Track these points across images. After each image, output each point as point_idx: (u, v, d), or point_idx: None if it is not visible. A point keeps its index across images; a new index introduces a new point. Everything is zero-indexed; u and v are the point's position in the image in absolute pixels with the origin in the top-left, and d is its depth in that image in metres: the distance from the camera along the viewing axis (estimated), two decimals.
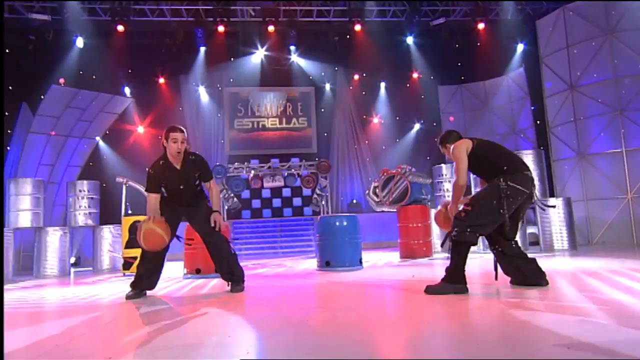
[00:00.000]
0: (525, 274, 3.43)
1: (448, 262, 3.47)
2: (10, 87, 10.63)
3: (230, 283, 4.14)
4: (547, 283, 3.41)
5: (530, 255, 3.56)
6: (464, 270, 3.33)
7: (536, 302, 2.87)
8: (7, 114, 11.27)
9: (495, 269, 3.52)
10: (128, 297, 3.95)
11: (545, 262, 5.32)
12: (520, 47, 12.14)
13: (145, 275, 4.03)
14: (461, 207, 3.43)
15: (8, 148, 11.30)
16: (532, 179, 3.45)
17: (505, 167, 3.38)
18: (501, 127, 12.69)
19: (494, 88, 12.83)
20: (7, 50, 11.40)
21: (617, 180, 8.64)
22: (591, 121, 9.02)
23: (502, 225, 3.27)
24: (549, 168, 9.38)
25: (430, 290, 3.34)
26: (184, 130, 3.97)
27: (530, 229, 8.44)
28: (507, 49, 12.26)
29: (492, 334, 2.12)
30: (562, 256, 6.46)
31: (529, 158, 7.96)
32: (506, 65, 12.45)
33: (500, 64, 12.48)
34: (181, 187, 3.97)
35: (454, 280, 3.31)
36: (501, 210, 3.24)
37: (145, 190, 4.00)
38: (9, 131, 11.45)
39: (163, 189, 4.02)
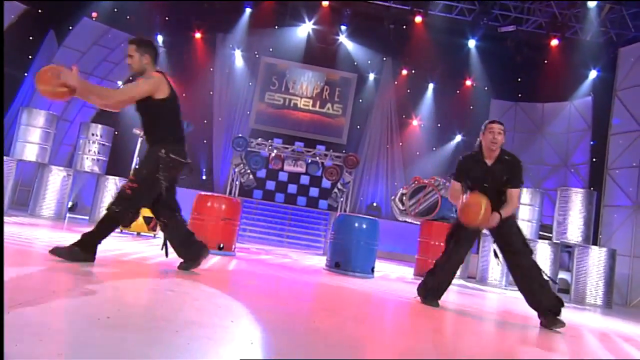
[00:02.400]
0: (187, 248, 3.62)
1: (471, 288, 3.60)
2: (39, 10, 10.79)
3: None
4: (202, 256, 3.60)
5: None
6: (98, 243, 3.32)
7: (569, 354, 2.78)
8: (31, 38, 11.47)
9: (165, 247, 3.61)
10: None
11: (573, 315, 5.18)
12: (592, 74, 11.79)
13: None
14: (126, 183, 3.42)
15: (26, 74, 11.52)
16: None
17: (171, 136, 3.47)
18: (552, 157, 12.39)
19: (553, 113, 12.52)
20: None
21: None
22: None
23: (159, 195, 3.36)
24: (598, 213, 9.12)
25: (58, 252, 3.18)
26: (502, 122, 3.76)
27: (562, 274, 8.26)
28: (577, 72, 11.91)
29: None
30: (592, 312, 6.29)
31: (577, 197, 7.75)
32: (572, 91, 12.11)
33: (566, 88, 12.14)
34: (485, 185, 3.72)
35: (87, 248, 3.26)
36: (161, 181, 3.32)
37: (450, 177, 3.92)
38: (29, 57, 11.67)
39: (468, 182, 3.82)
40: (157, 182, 3.32)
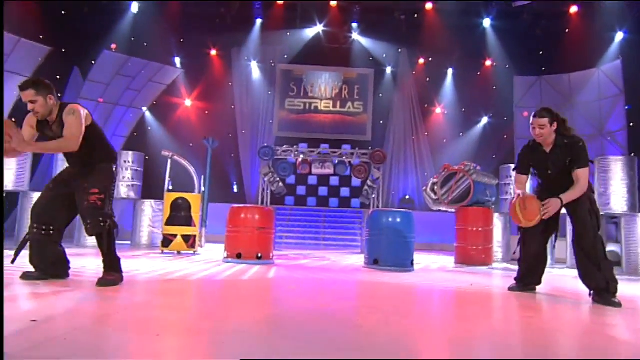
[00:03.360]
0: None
1: (515, 272, 4.10)
2: (63, 50, 11.25)
3: None
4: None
5: None
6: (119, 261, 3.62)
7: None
8: (58, 77, 11.97)
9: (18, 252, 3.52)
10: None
11: (627, 287, 5.00)
12: (619, 36, 11.31)
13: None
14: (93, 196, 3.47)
15: None
16: None
17: None
18: (586, 127, 11.95)
19: (580, 82, 12.09)
20: (63, 12, 12.07)
21: None
22: None
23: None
24: None
25: (106, 283, 3.43)
26: (544, 114, 3.73)
27: (611, 247, 7.97)
28: (602, 37, 11.45)
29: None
30: None
31: (617, 165, 7.47)
32: (599, 57, 11.65)
33: (592, 55, 11.69)
34: (549, 172, 3.81)
35: (117, 269, 3.58)
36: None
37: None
38: (59, 95, 12.15)
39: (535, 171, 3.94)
40: (112, 192, 3.60)
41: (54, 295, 2.94)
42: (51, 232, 3.49)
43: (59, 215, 3.52)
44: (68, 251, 3.71)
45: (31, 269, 3.49)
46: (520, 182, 4.02)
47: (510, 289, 4.07)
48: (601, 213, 7.45)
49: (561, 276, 6.07)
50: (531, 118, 3.81)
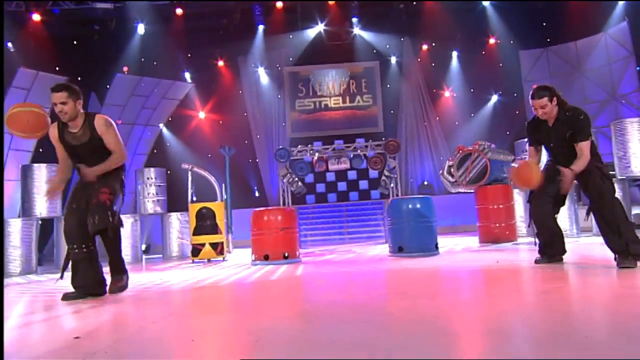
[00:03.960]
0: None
1: (535, 246, 4.05)
2: (79, 78, 11.48)
3: None
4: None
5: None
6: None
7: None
8: None
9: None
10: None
11: None
12: None
13: None
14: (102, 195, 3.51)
15: None
16: None
17: None
18: (598, 93, 11.69)
19: (588, 49, 11.80)
20: (75, 42, 12.33)
21: None
22: None
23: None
24: None
25: (115, 290, 3.66)
26: (543, 93, 3.68)
27: (636, 210, 7.77)
28: (605, 1, 11.15)
29: (600, 329, 1.97)
30: None
31: (634, 127, 7.27)
32: (604, 21, 11.34)
33: (597, 20, 11.39)
34: (551, 144, 3.86)
35: (123, 270, 3.77)
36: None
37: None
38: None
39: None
40: (121, 197, 3.68)
41: (94, 312, 3.01)
42: (90, 248, 3.50)
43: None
44: (106, 270, 3.78)
45: (69, 288, 3.54)
46: (532, 155, 4.04)
47: (536, 261, 4.01)
48: (622, 177, 7.32)
49: (588, 244, 5.95)
50: (530, 101, 3.78)
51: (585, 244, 5.93)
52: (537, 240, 4.06)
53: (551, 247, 3.97)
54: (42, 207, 7.79)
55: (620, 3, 11.02)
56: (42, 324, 2.76)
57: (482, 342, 1.87)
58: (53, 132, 3.54)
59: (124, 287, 3.70)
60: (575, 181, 3.81)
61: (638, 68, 10.61)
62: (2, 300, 1.70)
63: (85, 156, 3.55)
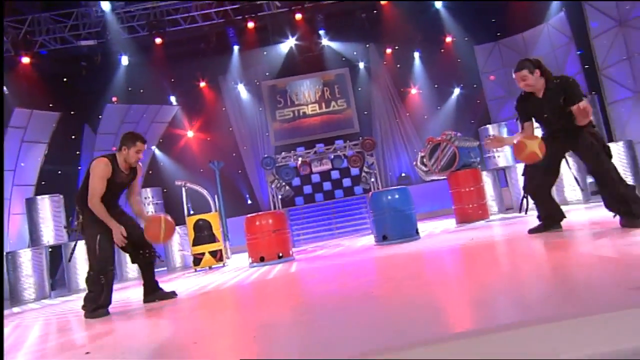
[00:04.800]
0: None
1: (510, 220, 3.59)
2: (72, 112, 11.34)
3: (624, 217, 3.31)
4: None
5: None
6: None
7: (609, 247, 2.70)
8: (73, 137, 12.07)
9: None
10: None
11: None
12: None
13: None
14: None
15: (79, 167, 12.13)
16: None
17: None
18: None
19: (533, 38, 12.01)
20: (64, 79, 12.17)
21: None
22: None
23: None
24: (604, 112, 8.72)
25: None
26: (524, 66, 3.47)
27: (591, 178, 7.93)
28: None
29: (568, 284, 2.03)
30: None
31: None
32: (544, 13, 11.58)
33: (538, 13, 11.62)
34: (545, 115, 3.55)
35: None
36: None
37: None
38: (77, 152, 12.28)
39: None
40: None
41: (104, 327, 2.98)
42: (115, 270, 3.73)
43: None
44: (115, 287, 3.77)
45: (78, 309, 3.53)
46: (526, 130, 3.68)
47: (530, 231, 3.79)
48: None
49: (589, 209, 5.83)
50: (514, 74, 3.57)
51: (586, 210, 5.81)
52: (524, 211, 3.80)
53: (549, 218, 3.75)
54: (49, 235, 7.67)
55: None
56: (55, 344, 2.73)
57: (464, 313, 1.90)
58: (108, 170, 3.59)
59: (175, 294, 3.98)
60: (571, 150, 3.53)
61: (578, 52, 10.84)
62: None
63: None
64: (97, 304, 3.48)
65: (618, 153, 6.98)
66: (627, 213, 3.21)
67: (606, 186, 3.30)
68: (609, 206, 3.36)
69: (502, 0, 11.81)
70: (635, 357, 1.08)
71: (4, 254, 7.52)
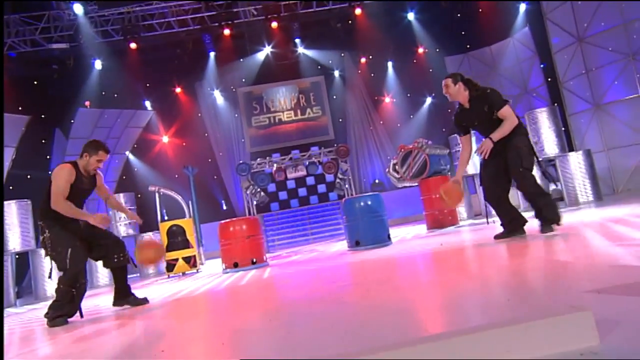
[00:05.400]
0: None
1: (479, 225, 3.83)
2: (42, 116, 10.97)
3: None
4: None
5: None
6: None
7: (565, 252, 2.81)
8: (43, 141, 11.67)
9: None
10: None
11: (571, 216, 5.19)
12: (522, 7, 11.70)
13: None
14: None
15: (50, 172, 11.72)
16: None
17: None
18: (512, 89, 12.33)
19: (500, 51, 12.44)
20: (35, 82, 11.78)
21: (636, 126, 8.29)
22: (603, 70, 8.64)
23: None
24: (566, 123, 9.09)
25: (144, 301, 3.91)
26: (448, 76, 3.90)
27: (553, 186, 8.23)
28: (509, 11, 11.84)
29: (526, 289, 2.10)
30: (587, 208, 6.28)
31: (543, 115, 7.72)
32: (510, 27, 12.03)
33: (504, 27, 12.06)
34: (476, 124, 3.90)
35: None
36: None
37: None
38: (47, 157, 11.87)
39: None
40: None
41: (69, 336, 2.89)
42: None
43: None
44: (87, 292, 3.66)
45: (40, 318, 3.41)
46: (463, 143, 4.09)
47: (496, 237, 3.94)
48: (539, 159, 7.74)
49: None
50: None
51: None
52: (489, 219, 4.14)
53: (511, 224, 3.89)
54: (15, 242, 7.37)
55: (521, 12, 11.73)
56: (18, 354, 2.62)
57: (429, 317, 1.94)
58: (72, 175, 3.55)
59: (146, 300, 3.92)
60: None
61: (542, 65, 11.28)
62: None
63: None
64: (62, 312, 3.39)
65: (577, 162, 7.28)
66: (543, 219, 3.58)
67: (525, 197, 3.66)
68: (535, 216, 3.69)
69: (472, 12, 12.20)
70: (583, 357, 1.13)
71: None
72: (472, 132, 4.15)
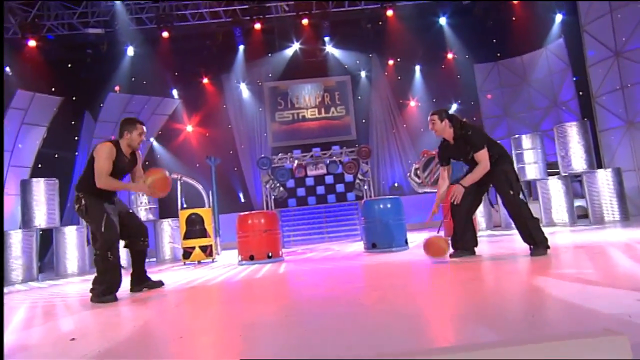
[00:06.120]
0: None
1: (497, 238, 3.87)
2: (74, 98, 11.25)
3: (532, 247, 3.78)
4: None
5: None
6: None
7: (590, 274, 2.72)
8: (72, 122, 11.97)
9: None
10: None
11: (595, 234, 5.04)
12: (558, 18, 11.41)
13: None
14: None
15: (77, 154, 12.02)
16: None
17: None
18: (541, 101, 12.05)
19: (532, 62, 12.17)
20: (69, 65, 12.09)
21: None
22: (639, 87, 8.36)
23: None
24: (595, 139, 8.83)
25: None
26: (433, 113, 4.06)
27: (578, 202, 8.02)
28: (544, 20, 11.56)
29: (549, 306, 2.04)
30: (613, 227, 6.09)
31: (573, 130, 7.52)
32: (544, 38, 11.75)
33: (538, 37, 11.79)
34: (459, 159, 4.10)
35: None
36: None
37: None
38: (75, 138, 12.18)
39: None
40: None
41: (91, 314, 2.95)
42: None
43: None
44: (81, 278, 3.70)
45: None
46: (442, 173, 4.28)
47: (450, 256, 4.08)
48: (565, 174, 7.54)
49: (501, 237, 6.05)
50: (428, 117, 4.07)
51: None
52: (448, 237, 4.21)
53: (463, 241, 4.06)
54: (41, 218, 7.58)
55: (557, 22, 11.43)
56: (41, 328, 2.69)
57: (446, 327, 1.91)
58: (113, 152, 3.62)
59: (162, 283, 4.09)
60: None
61: (574, 78, 10.98)
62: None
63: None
64: (105, 284, 3.47)
65: (606, 179, 7.06)
66: (533, 244, 3.65)
67: (516, 221, 3.73)
68: (524, 240, 3.75)
69: (505, 21, 11.95)
70: None
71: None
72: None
